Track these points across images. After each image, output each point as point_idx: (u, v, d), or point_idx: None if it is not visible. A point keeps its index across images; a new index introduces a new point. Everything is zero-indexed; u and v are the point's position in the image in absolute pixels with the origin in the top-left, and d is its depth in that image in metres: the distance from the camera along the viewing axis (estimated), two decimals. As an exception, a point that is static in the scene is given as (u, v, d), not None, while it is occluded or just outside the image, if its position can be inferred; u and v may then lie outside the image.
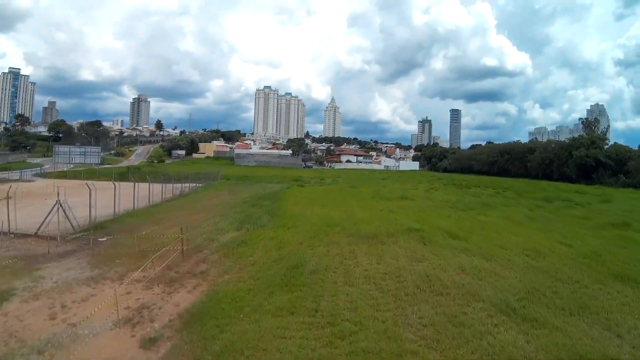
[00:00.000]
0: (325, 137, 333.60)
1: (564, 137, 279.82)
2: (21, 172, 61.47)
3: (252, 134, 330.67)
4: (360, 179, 61.57)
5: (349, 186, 44.69)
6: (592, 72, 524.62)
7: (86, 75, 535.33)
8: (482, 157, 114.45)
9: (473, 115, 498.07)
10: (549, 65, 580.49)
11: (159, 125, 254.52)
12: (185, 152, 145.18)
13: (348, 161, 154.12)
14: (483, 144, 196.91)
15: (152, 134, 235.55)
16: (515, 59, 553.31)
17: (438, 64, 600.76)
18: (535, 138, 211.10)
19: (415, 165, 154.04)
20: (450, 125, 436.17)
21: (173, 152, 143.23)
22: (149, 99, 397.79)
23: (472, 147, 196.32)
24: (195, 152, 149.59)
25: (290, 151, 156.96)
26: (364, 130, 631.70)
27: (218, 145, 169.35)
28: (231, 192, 36.50)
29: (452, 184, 55.43)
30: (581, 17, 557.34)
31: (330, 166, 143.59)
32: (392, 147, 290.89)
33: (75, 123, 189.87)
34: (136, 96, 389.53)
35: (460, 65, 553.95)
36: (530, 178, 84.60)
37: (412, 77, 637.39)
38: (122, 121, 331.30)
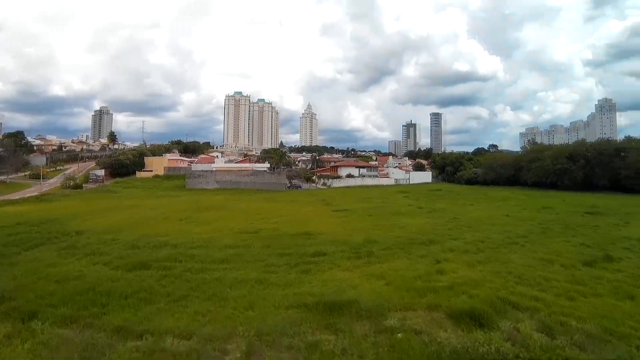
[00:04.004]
0: (303, 146, 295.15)
1: (559, 137, 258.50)
2: None
3: (223, 146, 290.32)
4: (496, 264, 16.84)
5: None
6: (562, 74, 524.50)
7: (56, 90, 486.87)
8: (542, 164, 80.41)
9: (445, 120, 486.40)
10: (519, 69, 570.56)
11: (112, 138, 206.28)
12: (127, 170, 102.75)
13: (349, 175, 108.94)
14: (459, 148, 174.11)
15: (104, 148, 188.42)
16: (487, 63, 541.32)
17: (410, 71, 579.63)
18: (531, 139, 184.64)
19: (428, 177, 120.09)
20: (431, 129, 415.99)
21: (91, 173, 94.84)
22: (112, 112, 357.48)
23: (484, 150, 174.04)
24: (140, 170, 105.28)
25: (267, 164, 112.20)
26: (338, 140, 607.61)
27: (171, 159, 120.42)
28: None
29: None
30: (551, 21, 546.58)
31: (325, 184, 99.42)
32: (372, 153, 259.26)
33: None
34: (98, 109, 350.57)
35: (432, 71, 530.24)
36: (619, 191, 65.76)
37: (384, 85, 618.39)
38: (87, 136, 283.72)
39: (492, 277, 13.88)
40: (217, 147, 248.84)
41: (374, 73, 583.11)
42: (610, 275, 14.38)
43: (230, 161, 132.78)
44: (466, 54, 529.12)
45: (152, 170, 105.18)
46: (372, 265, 15.68)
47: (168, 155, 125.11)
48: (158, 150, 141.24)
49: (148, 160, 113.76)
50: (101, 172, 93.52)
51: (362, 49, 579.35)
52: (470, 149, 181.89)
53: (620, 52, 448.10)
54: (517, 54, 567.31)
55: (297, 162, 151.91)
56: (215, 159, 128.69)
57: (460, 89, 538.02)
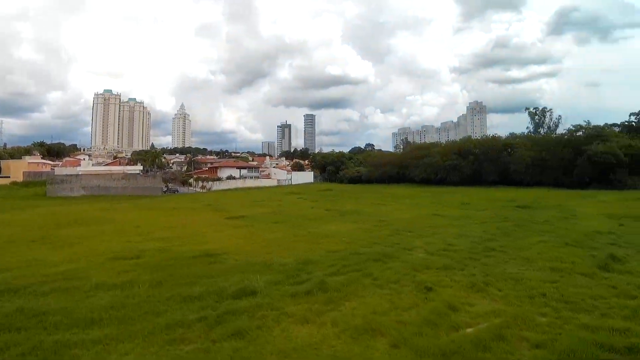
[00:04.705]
0: (175, 148, 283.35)
1: (430, 137, 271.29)
2: None
3: (90, 148, 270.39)
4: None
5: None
6: (430, 79, 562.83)
7: None
8: (431, 160, 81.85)
9: (318, 121, 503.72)
10: (390, 74, 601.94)
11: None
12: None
13: (230, 177, 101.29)
14: (333, 149, 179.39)
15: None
16: (359, 68, 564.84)
17: (284, 73, 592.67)
18: (404, 139, 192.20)
19: (310, 177, 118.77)
20: (305, 130, 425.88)
21: None
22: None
23: (362, 149, 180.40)
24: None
25: (139, 167, 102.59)
26: (211, 142, 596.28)
27: (31, 162, 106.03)
28: None
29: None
30: (422, 30, 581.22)
31: (204, 187, 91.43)
32: (246, 154, 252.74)
33: None
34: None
35: (306, 74, 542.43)
36: (510, 184, 66.83)
37: (258, 87, 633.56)
38: None
39: (531, 307, 9.40)
40: (84, 150, 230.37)
41: (248, 75, 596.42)
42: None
43: (99, 164, 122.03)
44: (340, 58, 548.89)
45: (9, 177, 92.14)
46: (339, 306, 9.46)
47: (28, 159, 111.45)
48: (17, 153, 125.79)
49: (4, 164, 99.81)
50: None
51: (237, 50, 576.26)
52: (343, 149, 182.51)
53: (485, 61, 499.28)
54: (388, 59, 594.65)
55: (171, 164, 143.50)
56: (82, 162, 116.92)
57: (332, 92, 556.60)
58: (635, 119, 80.00)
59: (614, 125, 78.22)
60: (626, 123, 79.63)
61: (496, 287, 10.92)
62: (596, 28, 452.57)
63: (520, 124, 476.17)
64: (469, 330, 8.04)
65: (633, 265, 13.34)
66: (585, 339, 7.31)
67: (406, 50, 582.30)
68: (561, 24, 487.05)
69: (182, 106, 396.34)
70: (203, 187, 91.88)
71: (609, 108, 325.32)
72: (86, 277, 13.14)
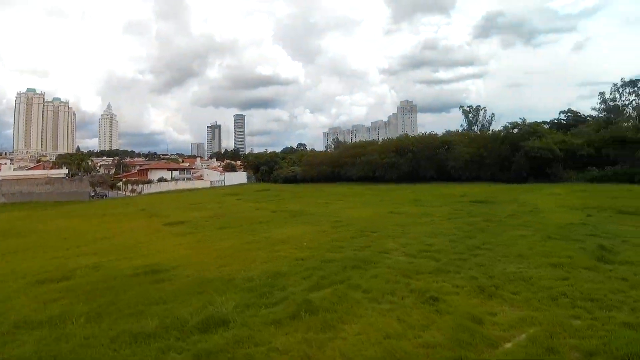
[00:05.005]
0: (102, 150, 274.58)
1: (360, 136, 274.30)
2: None
3: (12, 152, 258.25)
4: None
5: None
6: (359, 80, 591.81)
7: None
8: (369, 158, 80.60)
9: (247, 122, 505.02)
10: (320, 74, 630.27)
11: None
12: None
13: (162, 179, 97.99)
14: (264, 149, 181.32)
15: None
16: (289, 68, 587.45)
17: (214, 72, 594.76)
18: (335, 139, 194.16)
19: (243, 178, 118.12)
20: (235, 131, 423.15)
21: None
22: None
23: (294, 149, 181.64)
24: None
25: (65, 170, 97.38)
26: (138, 144, 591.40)
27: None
28: None
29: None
30: (352, 32, 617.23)
31: (134, 190, 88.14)
32: (176, 155, 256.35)
33: None
34: None
35: (236, 74, 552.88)
36: (449, 180, 66.71)
37: (187, 87, 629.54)
38: None
39: (559, 309, 8.41)
40: (5, 154, 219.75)
41: (177, 74, 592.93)
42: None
43: (21, 168, 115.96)
44: (270, 58, 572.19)
45: None
46: (339, 332, 7.38)
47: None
48: None
49: None
50: None
51: (167, 49, 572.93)
52: (274, 149, 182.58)
53: (413, 62, 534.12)
54: (318, 60, 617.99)
55: (98, 168, 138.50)
56: (2, 167, 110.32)
57: (262, 92, 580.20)
58: (565, 116, 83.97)
59: (544, 122, 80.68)
60: (555, 121, 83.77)
61: (508, 290, 9.72)
62: (521, 32, 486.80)
63: (449, 123, 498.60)
64: (507, 345, 6.79)
65: (628, 254, 12.89)
66: (635, 338, 6.59)
67: (336, 51, 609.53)
68: (488, 27, 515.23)
69: (109, 106, 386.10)
70: (133, 190, 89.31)
71: (532, 107, 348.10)
72: (3, 312, 10.13)
